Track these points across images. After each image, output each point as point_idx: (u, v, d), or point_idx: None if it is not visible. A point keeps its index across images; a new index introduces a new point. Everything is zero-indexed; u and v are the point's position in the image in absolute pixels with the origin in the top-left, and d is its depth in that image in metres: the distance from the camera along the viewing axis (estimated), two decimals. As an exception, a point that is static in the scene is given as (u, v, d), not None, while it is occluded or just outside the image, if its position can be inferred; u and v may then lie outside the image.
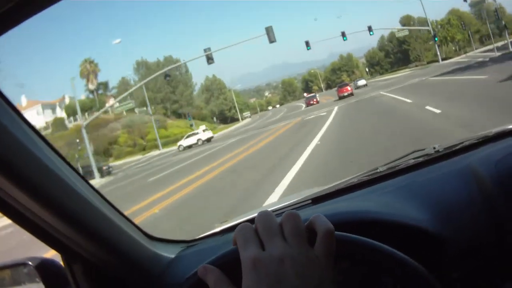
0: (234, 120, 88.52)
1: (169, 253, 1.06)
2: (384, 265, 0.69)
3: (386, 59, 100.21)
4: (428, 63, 59.74)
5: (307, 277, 0.48)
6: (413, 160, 1.19)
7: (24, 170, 0.70)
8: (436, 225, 0.87)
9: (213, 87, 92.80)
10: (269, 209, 1.09)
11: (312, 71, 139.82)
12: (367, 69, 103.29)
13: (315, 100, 44.32)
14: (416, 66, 69.88)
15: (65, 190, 0.77)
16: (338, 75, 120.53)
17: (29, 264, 0.93)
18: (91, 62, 61.12)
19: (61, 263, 0.90)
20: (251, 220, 0.59)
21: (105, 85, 67.32)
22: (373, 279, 0.79)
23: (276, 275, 0.47)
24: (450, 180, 0.98)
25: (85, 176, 0.77)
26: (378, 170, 1.21)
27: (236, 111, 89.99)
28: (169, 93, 78.13)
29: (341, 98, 37.48)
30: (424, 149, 1.23)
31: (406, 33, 56.81)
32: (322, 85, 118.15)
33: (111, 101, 65.03)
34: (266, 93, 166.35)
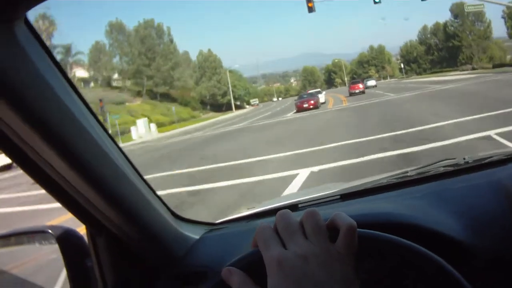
0: (231, 108, 77.34)
1: (193, 234, 1.12)
2: (411, 261, 0.72)
3: (427, 56, 75.51)
4: (496, 66, 48.16)
5: (331, 273, 0.51)
6: (442, 168, 1.24)
7: (59, 131, 0.71)
8: (463, 234, 0.92)
9: (206, 65, 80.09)
10: (298, 200, 1.35)
11: (336, 60, 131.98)
12: (402, 65, 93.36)
13: (312, 102, 31.45)
14: (474, 69, 45.62)
15: (98, 156, 0.79)
16: (366, 68, 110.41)
17: (50, 233, 0.99)
18: (45, 18, 50.49)
19: (83, 235, 0.97)
20: (279, 209, 0.60)
21: (67, 49, 56.38)
22: (397, 279, 0.82)
23: (301, 273, 0.50)
24: (480, 192, 1.04)
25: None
26: (408, 174, 1.27)
27: (237, 97, 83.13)
28: (142, 65, 65.26)
29: (351, 94, 39.77)
30: (454, 159, 1.31)
31: (481, 8, 35.53)
32: (346, 78, 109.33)
33: (76, 70, 57.91)
34: (292, 80, 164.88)
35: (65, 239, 0.97)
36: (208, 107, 72.08)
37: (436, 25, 78.35)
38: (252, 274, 0.56)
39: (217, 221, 1.25)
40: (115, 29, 62.05)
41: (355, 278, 0.53)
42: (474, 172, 1.15)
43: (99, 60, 58.31)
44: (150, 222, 0.94)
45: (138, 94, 60.16)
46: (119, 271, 0.96)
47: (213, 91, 71.51)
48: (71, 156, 0.75)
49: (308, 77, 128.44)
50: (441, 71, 61.19)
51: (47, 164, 0.75)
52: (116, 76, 63.49)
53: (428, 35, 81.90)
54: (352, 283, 0.52)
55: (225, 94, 72.11)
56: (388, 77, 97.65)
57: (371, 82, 52.82)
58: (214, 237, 1.14)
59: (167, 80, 62.67)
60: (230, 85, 69.02)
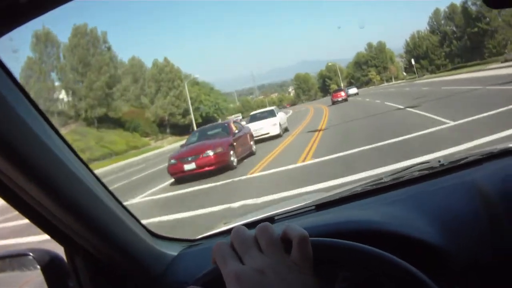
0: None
1: (171, 251, 1.22)
2: (370, 267, 0.75)
3: (441, 48, 54.75)
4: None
5: (289, 283, 0.55)
6: (417, 172, 1.34)
7: (32, 159, 0.76)
8: (439, 238, 0.97)
9: (161, 77, 65.51)
10: (272, 213, 1.45)
11: (330, 64, 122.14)
12: (404, 66, 62.88)
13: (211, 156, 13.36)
14: (508, 60, 42.22)
15: (72, 181, 0.86)
16: (364, 71, 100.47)
17: (30, 255, 1.07)
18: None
19: (63, 256, 1.06)
20: (256, 222, 0.67)
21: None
22: (375, 286, 0.87)
23: (260, 286, 0.54)
24: (455, 194, 1.11)
25: None
26: (383, 180, 1.38)
27: (204, 115, 69.32)
28: (72, 83, 51.62)
29: (334, 103, 42.90)
30: (428, 162, 1.42)
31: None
32: (342, 84, 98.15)
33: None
34: (290, 89, 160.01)
35: (46, 261, 1.05)
36: (168, 130, 63.40)
37: (452, 7, 61.43)
38: None
39: (195, 238, 1.36)
40: (42, 40, 51.54)
41: (314, 287, 0.57)
42: (449, 174, 1.24)
43: (29, 80, 48.91)
44: (125, 241, 1.03)
45: (73, 119, 50.93)
46: None
47: (171, 110, 54.09)
48: (44, 182, 0.80)
49: (302, 85, 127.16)
50: (464, 66, 43.39)
51: (22, 190, 0.80)
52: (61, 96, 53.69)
53: (442, 21, 64.86)
54: None
55: (187, 112, 54.76)
56: (393, 79, 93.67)
57: (353, 90, 59.43)
58: (192, 253, 1.23)
59: (103, 100, 52.58)
60: (189, 100, 52.67)
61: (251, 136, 15.66)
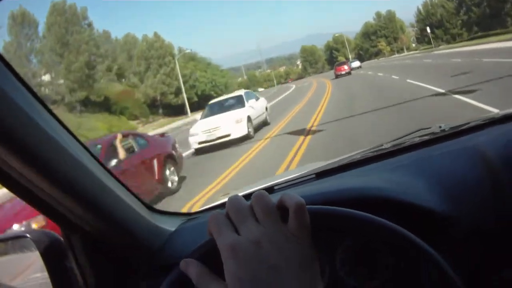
0: (193, 110, 56.01)
1: (169, 226, 1.24)
2: (368, 234, 0.77)
3: (457, 16, 47.89)
4: None
5: (286, 255, 0.55)
6: (418, 138, 1.35)
7: (23, 136, 0.77)
8: (440, 204, 0.99)
9: (151, 54, 58.58)
10: (272, 183, 1.46)
11: (337, 35, 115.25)
12: (415, 36, 78.12)
13: None
14: None
15: (65, 158, 0.87)
16: (374, 41, 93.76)
17: (28, 237, 1.09)
18: None
19: (60, 236, 1.09)
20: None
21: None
22: (377, 257, 0.89)
23: (256, 257, 0.54)
24: (457, 160, 1.12)
25: None
26: (383, 147, 1.40)
27: (200, 93, 61.48)
28: (50, 65, 45.90)
29: (337, 76, 42.19)
30: (429, 128, 1.42)
31: None
32: (350, 56, 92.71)
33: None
34: (298, 61, 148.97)
35: (44, 242, 1.06)
36: (160, 111, 58.13)
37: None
38: (210, 262, 0.60)
39: (193, 211, 1.38)
40: (18, 21, 47.02)
41: (313, 256, 0.57)
42: (451, 139, 1.25)
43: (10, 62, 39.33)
44: (121, 217, 1.05)
45: (56, 104, 45.48)
46: (98, 269, 1.07)
47: (162, 89, 49.75)
48: (35, 159, 0.81)
49: (308, 58, 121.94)
50: (486, 35, 38.02)
51: (15, 170, 0.81)
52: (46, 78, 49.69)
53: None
54: (308, 262, 0.56)
55: (180, 91, 50.13)
56: (405, 50, 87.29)
57: (355, 64, 59.18)
58: (190, 227, 1.25)
59: (84, 82, 47.88)
60: (180, 78, 48.83)
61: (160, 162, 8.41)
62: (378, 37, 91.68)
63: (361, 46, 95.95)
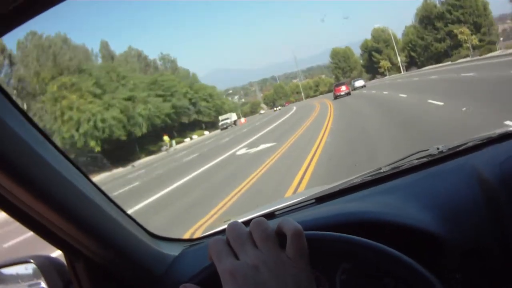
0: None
1: (172, 251, 1.25)
2: (364, 258, 0.78)
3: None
4: None
5: (284, 279, 0.57)
6: (416, 161, 1.36)
7: (27, 169, 0.80)
8: (439, 226, 1.03)
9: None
10: (273, 208, 1.47)
11: (378, 28, 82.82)
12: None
13: None
14: None
15: (68, 188, 0.89)
16: (440, 31, 58.44)
17: (32, 262, 1.11)
18: None
19: (64, 261, 1.10)
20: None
21: None
22: (376, 279, 0.90)
23: (254, 282, 0.56)
24: (454, 181, 1.14)
25: None
26: (381, 170, 1.41)
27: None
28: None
29: (337, 97, 38.38)
30: (427, 150, 1.43)
31: None
32: (399, 59, 67.71)
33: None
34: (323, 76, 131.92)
35: (48, 268, 1.08)
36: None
37: None
38: (210, 287, 0.63)
39: (195, 237, 1.39)
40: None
41: (310, 280, 0.59)
42: (449, 161, 1.26)
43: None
44: (124, 244, 1.06)
45: None
46: None
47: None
48: (39, 190, 0.83)
49: (341, 64, 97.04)
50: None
51: (18, 199, 0.83)
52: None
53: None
54: (305, 286, 0.58)
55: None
56: (500, 45, 52.19)
57: (359, 83, 50.17)
58: (193, 252, 1.26)
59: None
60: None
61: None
62: (448, 23, 55.44)
63: (416, 41, 62.99)
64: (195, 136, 60.39)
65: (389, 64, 73.88)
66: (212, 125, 68.38)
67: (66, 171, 0.88)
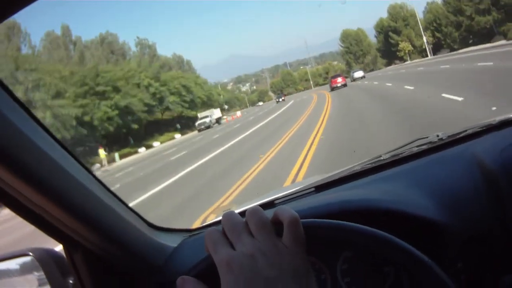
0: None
1: (171, 242, 1.24)
2: (362, 244, 0.79)
3: None
4: None
5: (281, 268, 0.56)
6: (416, 148, 1.35)
7: (24, 160, 0.79)
8: (440, 214, 1.03)
9: None
10: (272, 197, 1.46)
11: (396, 4, 66.98)
12: None
13: None
14: None
15: (67, 180, 0.89)
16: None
17: (30, 255, 1.10)
18: None
19: (63, 253, 1.10)
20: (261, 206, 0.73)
21: None
22: (377, 267, 0.91)
23: (251, 271, 0.55)
24: (455, 168, 1.14)
25: None
26: (382, 158, 1.40)
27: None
28: None
29: (333, 89, 37.50)
30: (427, 137, 1.42)
31: None
32: (425, 39, 52.38)
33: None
34: (335, 62, 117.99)
35: (47, 260, 1.08)
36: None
37: None
38: (208, 278, 0.62)
39: (194, 228, 1.38)
40: None
41: (307, 269, 0.59)
42: (449, 148, 1.25)
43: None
44: (123, 235, 1.06)
45: None
46: (100, 286, 1.08)
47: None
48: (37, 181, 0.82)
49: (352, 48, 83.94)
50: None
51: (16, 191, 0.83)
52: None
53: None
54: (303, 275, 0.58)
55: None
56: None
57: (358, 74, 48.10)
58: (193, 242, 1.26)
59: None
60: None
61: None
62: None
63: (440, 22, 51.15)
64: (156, 144, 47.59)
65: (410, 47, 61.83)
66: (193, 124, 55.47)
67: (65, 163, 0.86)
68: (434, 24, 53.82)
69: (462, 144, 1.23)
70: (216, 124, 51.79)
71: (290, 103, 48.69)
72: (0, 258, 1.17)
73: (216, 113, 56.68)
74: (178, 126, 55.83)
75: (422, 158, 1.24)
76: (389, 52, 68.12)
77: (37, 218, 0.89)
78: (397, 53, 65.76)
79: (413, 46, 61.96)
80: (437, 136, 1.35)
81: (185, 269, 0.87)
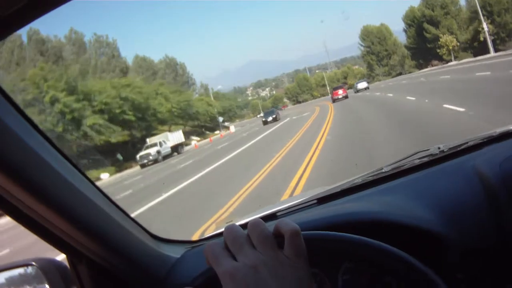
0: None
1: (174, 253, 1.25)
2: (362, 256, 0.80)
3: None
4: None
5: (283, 279, 0.57)
6: (418, 160, 1.36)
7: (29, 172, 0.80)
8: (440, 226, 1.04)
9: None
10: (274, 210, 1.48)
11: None
12: None
13: None
14: None
15: (70, 191, 0.90)
16: None
17: (34, 265, 1.11)
18: None
19: (66, 264, 1.10)
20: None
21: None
22: (378, 278, 0.92)
23: (253, 283, 0.56)
24: (455, 181, 1.14)
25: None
26: (383, 170, 1.40)
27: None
28: None
29: (335, 101, 37.07)
30: (428, 149, 1.42)
31: None
32: (485, 27, 36.60)
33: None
34: (356, 66, 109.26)
35: (50, 270, 1.08)
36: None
37: None
38: None
39: (197, 239, 1.39)
40: None
41: (309, 280, 0.60)
42: (450, 160, 1.26)
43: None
44: (126, 246, 1.06)
45: None
46: None
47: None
48: (42, 193, 0.83)
49: (374, 47, 68.00)
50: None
51: (21, 202, 0.83)
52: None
53: None
54: (304, 285, 0.59)
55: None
56: None
57: (362, 85, 46.01)
58: (196, 253, 1.26)
59: None
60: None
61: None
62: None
63: (495, 7, 39.09)
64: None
65: (455, 42, 45.54)
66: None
67: (68, 174, 0.87)
68: (484, 12, 39.39)
69: (463, 156, 1.22)
70: (175, 154, 36.55)
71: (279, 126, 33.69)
72: (3, 268, 1.16)
73: (175, 137, 40.38)
74: (120, 156, 36.91)
75: (423, 171, 1.24)
76: (423, 50, 53.27)
77: (41, 228, 0.88)
78: (437, 50, 50.39)
79: (459, 41, 46.47)
80: (438, 148, 1.34)
81: (187, 281, 0.90)
